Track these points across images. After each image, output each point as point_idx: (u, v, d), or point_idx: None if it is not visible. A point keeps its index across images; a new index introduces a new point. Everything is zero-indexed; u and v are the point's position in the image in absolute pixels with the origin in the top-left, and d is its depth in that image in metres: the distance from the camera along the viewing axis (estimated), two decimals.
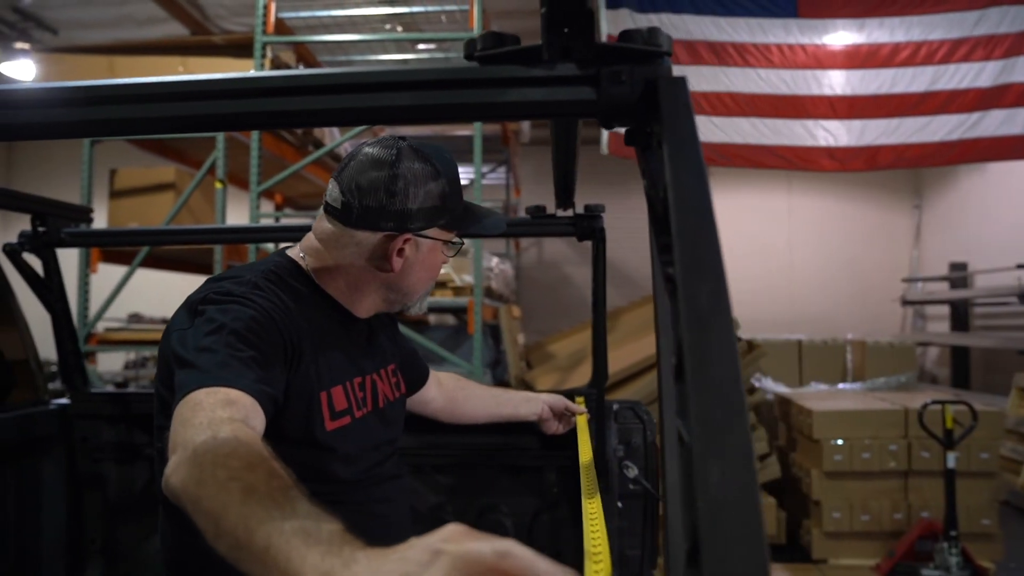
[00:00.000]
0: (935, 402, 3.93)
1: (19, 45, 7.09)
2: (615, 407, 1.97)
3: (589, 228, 1.77)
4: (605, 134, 4.59)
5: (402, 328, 3.98)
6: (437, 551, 0.55)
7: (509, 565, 0.53)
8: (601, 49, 0.66)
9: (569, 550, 1.95)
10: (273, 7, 4.08)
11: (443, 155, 1.27)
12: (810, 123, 4.49)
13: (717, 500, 0.45)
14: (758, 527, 0.45)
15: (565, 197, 1.66)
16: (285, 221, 5.91)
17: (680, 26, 4.56)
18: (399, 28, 5.43)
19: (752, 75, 4.54)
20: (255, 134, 3.97)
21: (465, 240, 1.39)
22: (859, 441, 4.13)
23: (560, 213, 1.83)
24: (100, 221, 4.91)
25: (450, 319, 5.34)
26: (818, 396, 4.97)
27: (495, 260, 5.64)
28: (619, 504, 1.95)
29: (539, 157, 9.29)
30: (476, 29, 3.95)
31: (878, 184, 8.32)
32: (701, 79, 4.57)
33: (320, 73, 0.67)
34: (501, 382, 4.99)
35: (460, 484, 2.05)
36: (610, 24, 4.64)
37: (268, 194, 6.23)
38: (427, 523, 2.00)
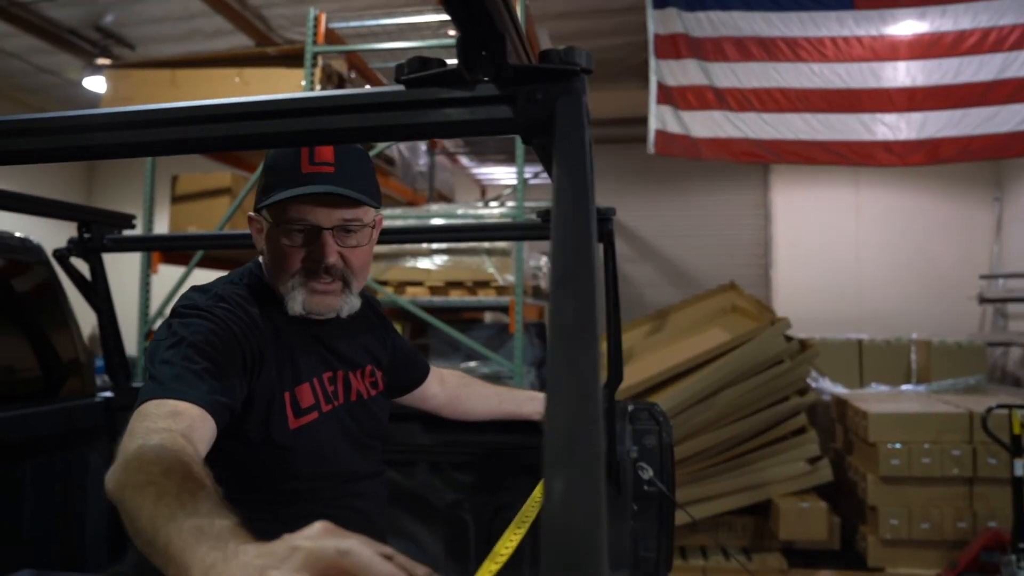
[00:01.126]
0: (1001, 406, 3.75)
1: (100, 61, 7.49)
2: (630, 408, 1.98)
3: (600, 230, 1.78)
4: (652, 133, 4.56)
5: (446, 326, 4.02)
6: (295, 547, 0.59)
7: (348, 562, 0.57)
8: (519, 70, 0.69)
9: None
10: (324, 18, 4.20)
11: None
12: (866, 117, 4.35)
13: (558, 511, 0.47)
14: (596, 543, 0.46)
15: None
16: None
17: (729, 23, 4.49)
18: (453, 33, 5.52)
19: (804, 70, 4.43)
20: None
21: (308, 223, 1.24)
22: (918, 445, 3.98)
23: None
24: (162, 225, 5.16)
25: (503, 317, 5.38)
26: (877, 398, 4.80)
27: (544, 259, 5.64)
28: (634, 506, 1.95)
29: (599, 156, 9.25)
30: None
31: (954, 177, 7.96)
32: (751, 75, 4.48)
33: (248, 101, 0.72)
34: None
35: (478, 482, 2.09)
36: (657, 24, 4.61)
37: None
38: (445, 519, 2.06)
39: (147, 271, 4.26)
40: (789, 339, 4.41)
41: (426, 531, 2.08)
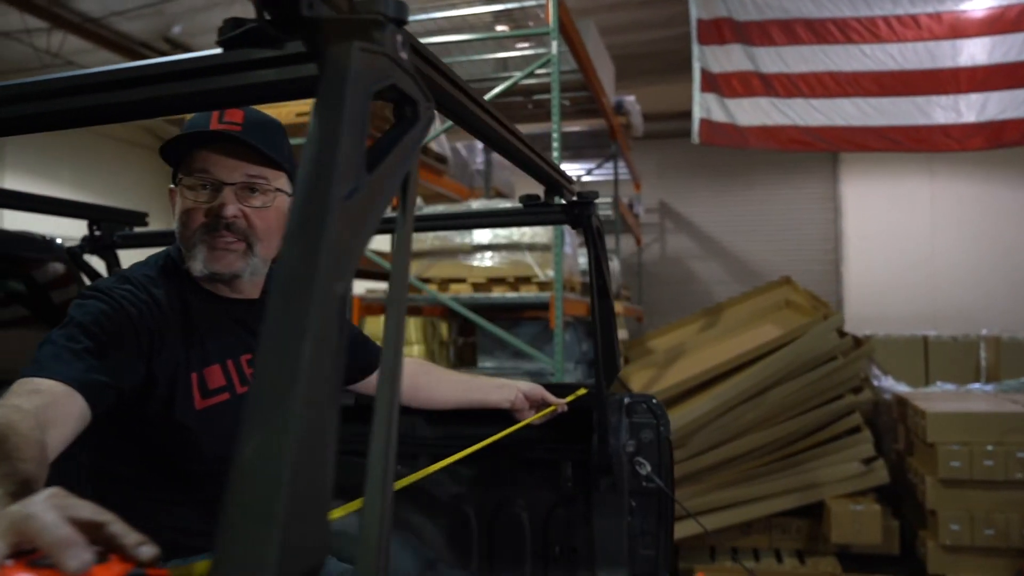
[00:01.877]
0: None
1: None
2: (626, 401, 1.92)
3: (581, 215, 1.74)
4: (696, 122, 4.44)
5: (487, 323, 4.02)
6: (6, 512, 0.59)
7: (29, 527, 0.56)
8: (317, 22, 0.64)
9: (583, 546, 1.93)
10: None
11: None
12: (921, 100, 4.11)
13: (245, 471, 0.46)
14: (274, 507, 0.45)
15: (551, 184, 1.63)
16: None
17: (775, 5, 4.34)
18: (506, 27, 5.50)
19: (855, 52, 4.23)
20: None
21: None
22: (980, 447, 3.75)
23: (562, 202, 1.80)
24: None
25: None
26: (941, 397, 4.55)
27: None
28: (632, 503, 1.90)
29: (662, 150, 9.10)
30: (552, 23, 3.94)
31: None
32: (799, 60, 4.31)
33: (57, 78, 0.71)
34: None
35: (480, 475, 2.07)
36: (700, 8, 4.49)
37: None
38: (447, 513, 2.05)
39: None
40: (843, 334, 4.23)
41: (428, 524, 2.08)
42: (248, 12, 0.73)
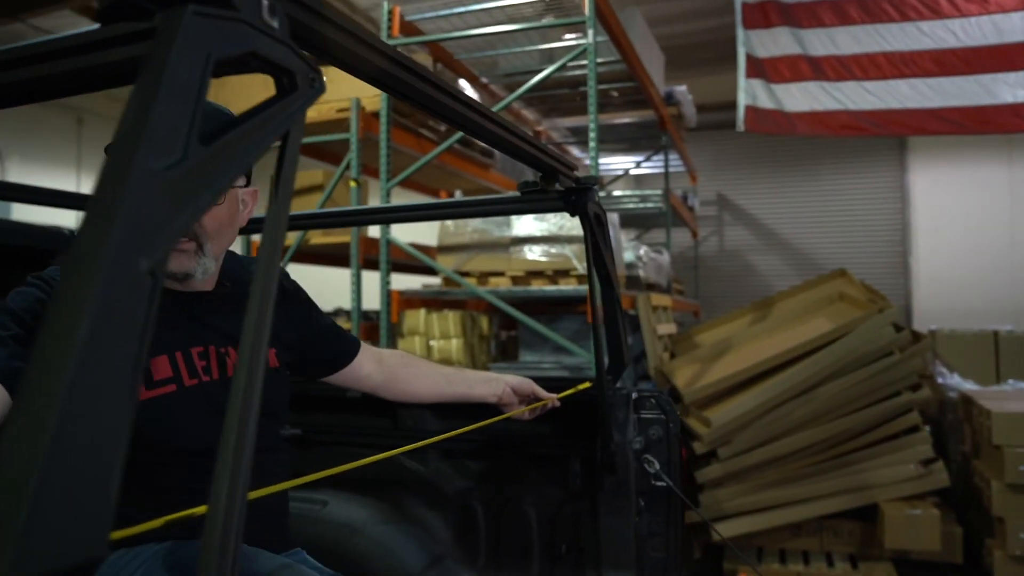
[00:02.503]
0: None
1: None
2: (634, 395, 1.84)
3: (579, 202, 1.66)
4: (741, 110, 4.28)
5: (528, 319, 3.96)
6: None
7: None
8: None
9: (590, 545, 1.86)
10: (399, 10, 4.26)
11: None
12: (986, 78, 3.84)
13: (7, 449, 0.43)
14: (21, 496, 0.42)
15: (548, 174, 1.57)
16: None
17: None
18: (551, 16, 5.42)
19: (912, 30, 3.99)
20: (383, 132, 4.17)
21: None
22: None
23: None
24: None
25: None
26: (1012, 396, 4.27)
27: (643, 249, 5.45)
28: (640, 502, 1.81)
29: (719, 141, 8.86)
30: (588, 11, 3.84)
31: None
32: (851, 41, 4.10)
33: None
34: (643, 375, 4.83)
35: (488, 471, 2.03)
36: None
37: (431, 191, 6.53)
38: (455, 507, 2.01)
39: None
40: (899, 328, 4.00)
41: (436, 517, 2.04)
42: None
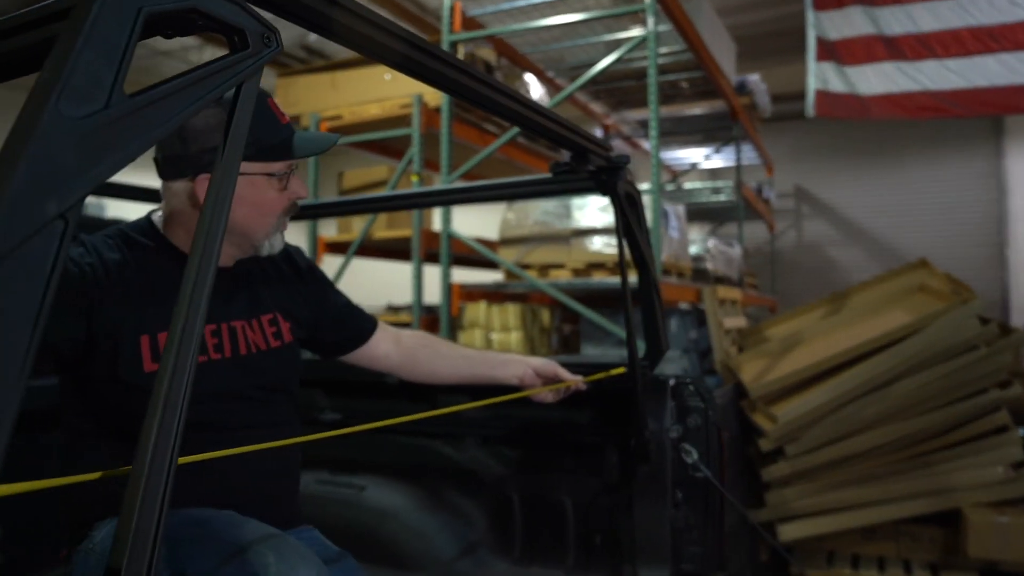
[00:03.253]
0: None
1: None
2: (671, 382, 1.78)
3: (609, 182, 1.61)
4: (811, 94, 4.11)
5: (589, 312, 3.91)
6: None
7: None
8: None
9: (625, 537, 1.81)
10: (460, 6, 4.27)
11: None
12: None
13: None
14: None
15: (579, 154, 1.53)
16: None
17: None
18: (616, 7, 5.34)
19: (1001, 2, 3.72)
20: (444, 127, 4.19)
21: (296, 164, 1.37)
22: None
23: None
24: (332, 219, 5.56)
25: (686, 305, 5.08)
26: None
27: (712, 242, 5.32)
28: (678, 493, 1.75)
29: (797, 132, 8.55)
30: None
31: None
32: (930, 17, 3.87)
33: None
34: (709, 370, 4.70)
35: (525, 459, 2.00)
36: None
37: None
38: (491, 494, 2.00)
39: (313, 260, 4.62)
40: (985, 321, 3.76)
41: (472, 505, 2.03)
42: None
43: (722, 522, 1.76)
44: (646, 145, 8.01)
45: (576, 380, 1.65)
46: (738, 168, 6.29)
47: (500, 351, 1.71)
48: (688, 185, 6.81)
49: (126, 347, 1.24)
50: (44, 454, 1.73)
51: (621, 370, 1.76)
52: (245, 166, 1.30)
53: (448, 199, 1.84)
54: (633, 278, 1.77)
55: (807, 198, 8.72)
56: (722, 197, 6.30)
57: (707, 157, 7.48)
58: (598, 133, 6.94)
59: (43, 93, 0.51)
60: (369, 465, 2.08)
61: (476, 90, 1.15)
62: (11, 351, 0.48)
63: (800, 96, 7.73)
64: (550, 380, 1.67)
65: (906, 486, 3.76)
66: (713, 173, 8.64)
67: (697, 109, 6.35)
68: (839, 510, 3.81)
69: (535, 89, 5.58)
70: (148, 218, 1.39)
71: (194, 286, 0.62)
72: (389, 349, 1.67)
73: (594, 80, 5.83)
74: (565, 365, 1.74)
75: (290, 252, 1.57)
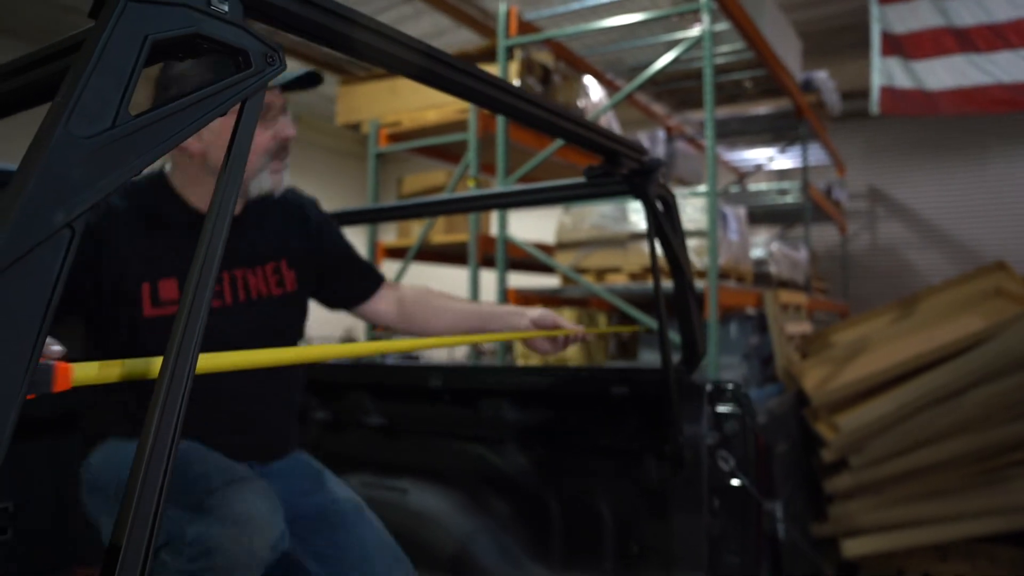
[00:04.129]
0: None
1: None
2: (708, 388, 1.76)
3: (641, 185, 1.61)
4: (875, 91, 3.99)
5: (645, 317, 3.88)
6: None
7: None
8: None
9: (661, 544, 1.80)
10: (516, 10, 4.31)
11: None
12: None
13: None
14: None
15: (611, 157, 1.54)
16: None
17: None
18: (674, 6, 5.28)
19: None
20: (500, 131, 4.23)
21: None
22: None
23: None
24: (392, 225, 5.67)
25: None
26: None
27: (775, 245, 5.20)
28: (715, 501, 1.74)
29: (871, 130, 8.28)
30: None
31: None
32: (1006, 5, 3.72)
33: None
34: (771, 376, 4.59)
35: (564, 463, 2.01)
36: None
37: None
38: (530, 500, 2.02)
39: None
40: None
41: (510, 509, 2.05)
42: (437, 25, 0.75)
43: (759, 529, 1.73)
44: None
45: (578, 329, 1.59)
46: (805, 168, 6.13)
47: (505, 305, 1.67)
48: (753, 187, 6.67)
49: (128, 293, 1.31)
50: (64, 458, 1.80)
51: (635, 328, 1.74)
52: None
53: (483, 204, 1.86)
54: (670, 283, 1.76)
55: (882, 199, 8.42)
56: (789, 199, 6.15)
57: (770, 159, 7.31)
58: (660, 135, 6.87)
59: (55, 115, 0.57)
60: (412, 468, 2.13)
61: (498, 98, 1.18)
62: (18, 352, 0.53)
63: (861, 94, 7.50)
64: (549, 328, 1.59)
65: (981, 502, 3.60)
66: (781, 174, 8.43)
67: (762, 108, 6.22)
68: (908, 526, 3.68)
69: (594, 91, 5.58)
70: (162, 169, 1.46)
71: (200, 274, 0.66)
72: (389, 307, 1.70)
73: (654, 81, 5.79)
74: (609, 373, 1.73)
75: (303, 204, 1.62)
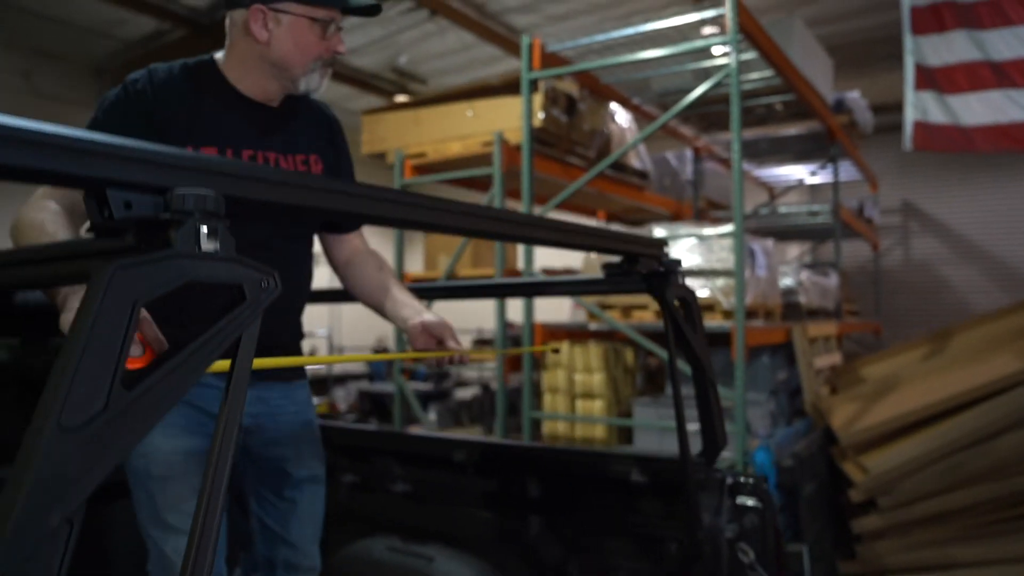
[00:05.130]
0: None
1: (399, 98, 8.50)
2: (729, 480, 1.75)
3: (659, 286, 1.59)
4: (908, 126, 3.91)
5: (656, 347, 3.83)
6: None
7: None
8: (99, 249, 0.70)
9: None
10: (539, 43, 4.28)
11: None
12: None
13: None
14: None
15: (630, 257, 1.53)
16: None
17: None
18: (715, 29, 5.23)
19: None
20: (525, 167, 4.21)
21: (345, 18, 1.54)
22: None
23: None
24: (418, 253, 5.68)
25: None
26: None
27: (805, 274, 5.12)
28: None
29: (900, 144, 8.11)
30: (731, 33, 3.65)
31: None
32: None
33: None
34: (799, 411, 4.54)
35: (588, 542, 2.01)
36: None
37: (587, 212, 6.53)
38: (549, 573, 2.01)
39: None
40: None
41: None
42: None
43: None
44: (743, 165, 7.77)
45: (461, 351, 1.54)
46: (835, 189, 6.03)
47: (411, 300, 1.69)
48: (784, 209, 6.59)
49: None
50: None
51: (552, 346, 1.73)
52: (293, 7, 1.47)
53: (497, 291, 1.86)
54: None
55: (915, 214, 8.27)
56: (819, 220, 6.07)
57: (800, 183, 7.20)
58: (688, 155, 6.81)
59: (46, 412, 0.57)
60: (438, 535, 2.14)
61: (513, 233, 1.18)
62: None
63: (894, 108, 7.36)
64: (436, 338, 1.56)
65: (1013, 548, 3.53)
66: (813, 189, 8.32)
67: (792, 129, 6.13)
68: (937, 569, 3.61)
69: (621, 116, 5.54)
70: (211, 56, 1.57)
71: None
72: (343, 254, 1.76)
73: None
74: (630, 459, 1.72)
75: (333, 120, 1.74)
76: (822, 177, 7.28)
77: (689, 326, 1.64)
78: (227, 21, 1.55)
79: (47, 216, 1.29)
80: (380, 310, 1.70)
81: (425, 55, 7.95)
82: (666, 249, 1.62)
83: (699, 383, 1.70)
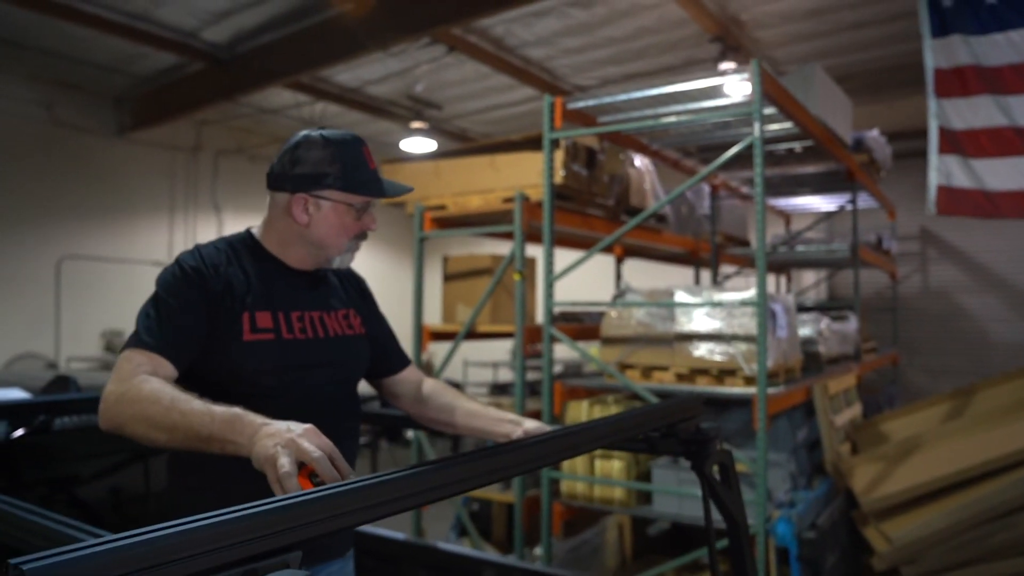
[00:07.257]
0: None
1: (414, 124, 8.51)
2: None
3: (698, 455, 1.60)
4: (932, 190, 3.89)
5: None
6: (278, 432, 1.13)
7: (300, 448, 1.10)
8: None
9: None
10: (560, 102, 4.28)
11: (344, 138, 1.61)
12: None
13: None
14: None
15: (666, 429, 1.54)
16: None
17: None
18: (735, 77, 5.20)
19: None
20: (546, 223, 4.20)
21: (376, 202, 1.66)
22: None
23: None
24: (435, 296, 5.64)
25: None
26: None
27: (825, 322, 5.10)
28: None
29: (921, 169, 8.04)
30: (755, 104, 3.63)
31: None
32: None
33: None
34: (818, 467, 4.53)
35: None
36: (937, 56, 3.91)
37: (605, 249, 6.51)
38: None
39: (418, 346, 4.76)
40: None
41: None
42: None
43: None
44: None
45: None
46: (855, 227, 5.99)
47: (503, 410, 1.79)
48: (802, 248, 6.56)
49: (237, 322, 1.54)
50: None
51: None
52: (334, 194, 1.59)
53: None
54: None
55: (934, 241, 8.22)
56: (838, 255, 6.06)
57: (822, 220, 7.16)
58: (706, 189, 6.79)
59: None
60: None
61: (559, 453, 1.19)
62: None
63: (923, 133, 7.31)
64: None
65: None
66: (830, 214, 8.27)
67: (811, 168, 6.11)
68: None
69: (638, 160, 5.53)
70: (248, 231, 1.71)
71: None
72: (405, 390, 1.85)
73: (700, 147, 5.73)
74: None
75: (359, 278, 1.89)
76: (839, 203, 7.25)
77: (725, 487, 1.65)
78: (268, 199, 1.66)
79: (158, 384, 1.37)
80: (472, 432, 1.78)
81: (441, 83, 7.96)
82: (702, 419, 1.63)
83: (733, 538, 1.70)
